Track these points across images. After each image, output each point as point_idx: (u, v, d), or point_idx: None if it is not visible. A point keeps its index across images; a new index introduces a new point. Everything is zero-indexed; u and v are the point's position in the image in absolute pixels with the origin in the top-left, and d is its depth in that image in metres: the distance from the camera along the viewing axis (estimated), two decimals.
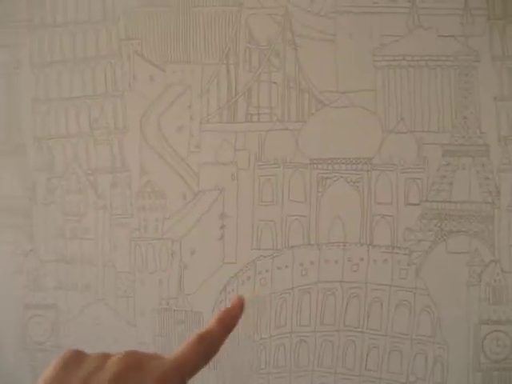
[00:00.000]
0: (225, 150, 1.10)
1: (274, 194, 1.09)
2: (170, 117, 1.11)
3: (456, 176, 1.05)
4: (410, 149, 1.06)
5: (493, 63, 1.05)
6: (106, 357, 0.34)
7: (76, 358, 0.34)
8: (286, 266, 1.09)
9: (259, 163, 1.09)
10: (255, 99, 1.09)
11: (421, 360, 1.07)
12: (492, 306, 1.05)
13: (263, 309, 1.09)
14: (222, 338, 0.37)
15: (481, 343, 1.05)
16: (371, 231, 1.07)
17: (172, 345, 1.09)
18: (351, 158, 1.07)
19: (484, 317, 1.05)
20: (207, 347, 0.35)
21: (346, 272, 1.08)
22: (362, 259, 1.07)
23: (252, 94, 1.09)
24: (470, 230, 1.05)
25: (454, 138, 1.05)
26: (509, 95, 1.04)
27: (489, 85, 1.05)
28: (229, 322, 0.38)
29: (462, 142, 1.05)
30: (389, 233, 1.07)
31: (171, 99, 1.11)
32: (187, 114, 1.11)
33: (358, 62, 1.07)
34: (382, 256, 1.07)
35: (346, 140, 1.07)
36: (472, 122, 1.05)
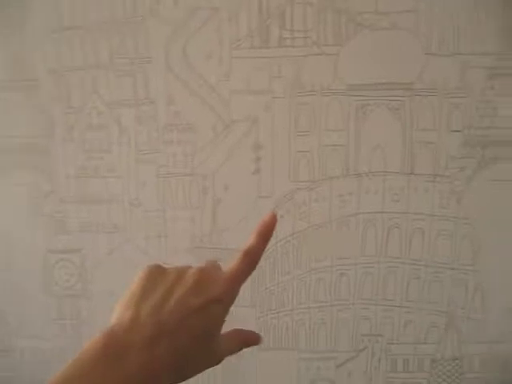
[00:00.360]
0: (257, 77, 1.03)
1: (312, 123, 1.03)
2: (197, 43, 1.04)
3: (500, 101, 1.01)
4: (453, 72, 1.01)
5: None
6: (183, 269, 0.41)
7: (159, 271, 0.41)
8: (324, 198, 1.05)
9: (294, 91, 1.03)
10: (289, 22, 1.02)
11: (461, 289, 1.06)
12: None
13: (302, 243, 1.05)
14: (261, 249, 0.44)
15: None
16: (412, 159, 1.03)
17: None
18: (392, 84, 1.02)
19: None
20: (251, 259, 0.43)
21: (387, 202, 1.04)
22: (402, 189, 1.04)
23: (285, 17, 1.02)
24: None
25: (499, 60, 1.00)
26: None
27: None
28: (265, 234, 0.45)
29: (507, 64, 1.00)
30: (430, 161, 1.03)
31: (198, 24, 1.03)
32: (215, 39, 1.03)
33: None
34: (423, 185, 1.04)
35: (386, 64, 1.01)
36: None
